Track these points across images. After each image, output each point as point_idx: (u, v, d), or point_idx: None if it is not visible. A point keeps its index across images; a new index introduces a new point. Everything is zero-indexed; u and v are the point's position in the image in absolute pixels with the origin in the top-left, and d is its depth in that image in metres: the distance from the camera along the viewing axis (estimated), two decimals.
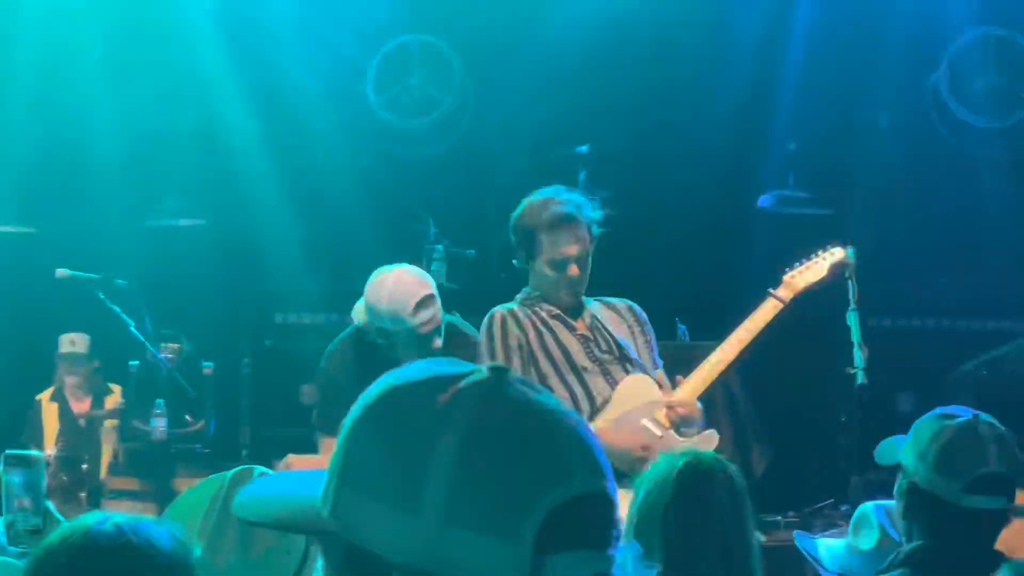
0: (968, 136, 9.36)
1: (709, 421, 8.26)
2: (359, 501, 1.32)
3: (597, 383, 5.36)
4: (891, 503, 3.66)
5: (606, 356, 5.42)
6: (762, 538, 6.77)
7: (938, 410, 3.42)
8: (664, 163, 9.64)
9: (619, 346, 5.46)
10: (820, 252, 5.55)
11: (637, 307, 5.72)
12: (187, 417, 7.75)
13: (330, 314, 9.63)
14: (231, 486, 3.03)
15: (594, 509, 1.29)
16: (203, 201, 9.51)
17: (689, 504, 2.95)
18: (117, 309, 7.75)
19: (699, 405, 5.34)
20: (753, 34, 9.43)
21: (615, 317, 5.59)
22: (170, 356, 7.56)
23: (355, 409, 1.37)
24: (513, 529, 1.26)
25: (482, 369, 1.33)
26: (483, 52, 9.67)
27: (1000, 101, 9.22)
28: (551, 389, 5.32)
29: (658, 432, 5.31)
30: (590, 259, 5.41)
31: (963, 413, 3.37)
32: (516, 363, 5.30)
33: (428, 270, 8.25)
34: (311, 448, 5.65)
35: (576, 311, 5.49)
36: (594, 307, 5.56)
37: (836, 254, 5.37)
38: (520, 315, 5.42)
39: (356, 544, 1.31)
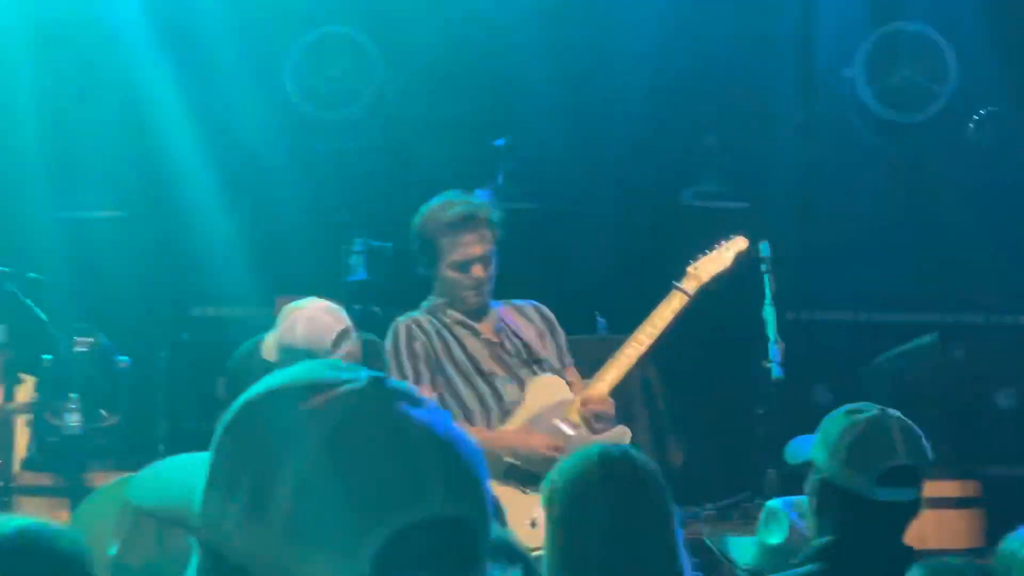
0: (884, 131, 9.43)
1: (626, 415, 8.27)
2: (219, 504, 1.28)
3: (506, 387, 5.36)
4: (799, 498, 3.70)
5: (513, 360, 5.42)
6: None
7: (845, 406, 3.47)
8: (584, 156, 9.65)
9: (527, 348, 5.45)
10: (723, 242, 5.55)
11: (543, 307, 5.73)
12: (102, 412, 7.67)
13: (248, 307, 9.57)
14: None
15: (447, 536, 1.24)
16: (120, 193, 9.42)
17: (595, 499, 2.92)
18: (30, 302, 7.65)
19: (611, 400, 5.33)
20: (673, 27, 9.46)
21: (522, 319, 5.59)
22: (84, 350, 7.47)
23: (231, 408, 1.34)
24: (352, 548, 1.22)
25: (360, 377, 1.28)
26: (402, 44, 9.64)
27: (915, 96, 9.30)
28: (459, 395, 5.32)
29: (570, 431, 5.31)
30: (494, 260, 5.40)
31: (870, 408, 3.41)
32: (424, 370, 5.28)
33: (347, 264, 8.24)
34: None
35: (481, 314, 5.48)
36: (500, 310, 5.55)
37: (738, 243, 5.39)
38: (424, 323, 5.42)
39: (216, 548, 1.28)
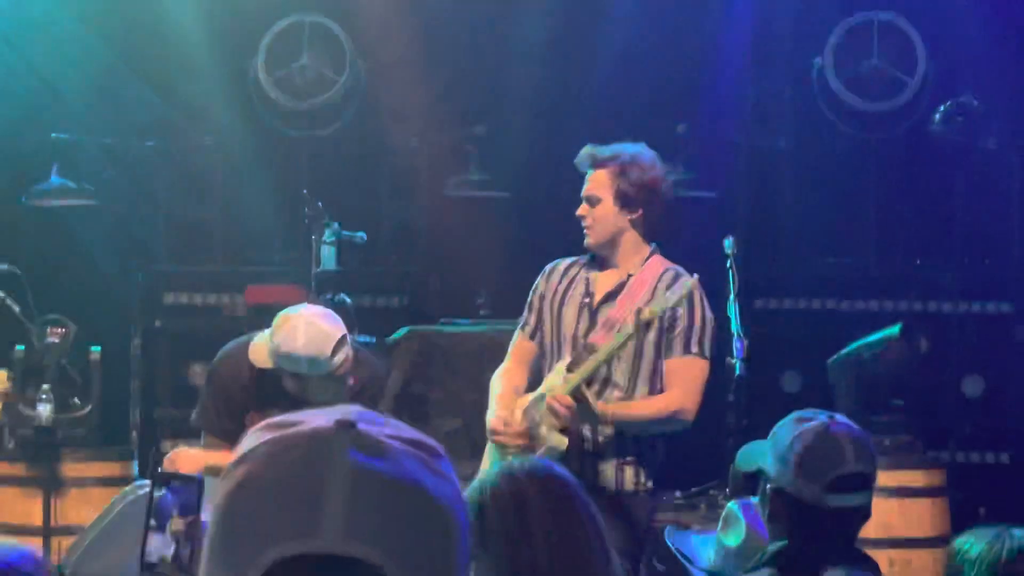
0: (852, 119, 9.49)
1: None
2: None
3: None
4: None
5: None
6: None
7: (794, 414, 3.53)
8: (555, 145, 9.68)
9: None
10: (675, 284, 5.47)
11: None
12: (74, 401, 7.69)
13: (220, 294, 9.61)
14: (124, 506, 3.04)
15: (339, 570, 1.23)
16: (90, 180, 9.41)
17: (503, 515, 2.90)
18: (2, 293, 7.68)
19: (570, 407, 5.24)
20: (642, 16, 9.49)
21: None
22: (56, 341, 7.49)
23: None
24: (240, 571, 1.24)
25: (335, 420, 1.30)
26: (374, 33, 9.65)
27: (884, 84, 9.35)
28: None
29: (534, 425, 5.33)
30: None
31: (818, 416, 3.47)
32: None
33: (318, 251, 8.26)
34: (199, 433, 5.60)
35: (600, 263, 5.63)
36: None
37: (688, 285, 5.36)
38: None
39: None
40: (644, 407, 5.38)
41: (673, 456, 8.33)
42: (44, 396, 7.36)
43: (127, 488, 3.16)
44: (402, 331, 8.56)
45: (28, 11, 9.35)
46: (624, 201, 5.45)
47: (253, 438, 1.32)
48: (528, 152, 9.52)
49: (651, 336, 5.36)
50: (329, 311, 5.42)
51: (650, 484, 5.47)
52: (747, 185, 9.67)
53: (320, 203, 7.90)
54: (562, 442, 5.24)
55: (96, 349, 7.83)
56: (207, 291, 9.67)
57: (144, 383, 9.34)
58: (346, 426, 1.29)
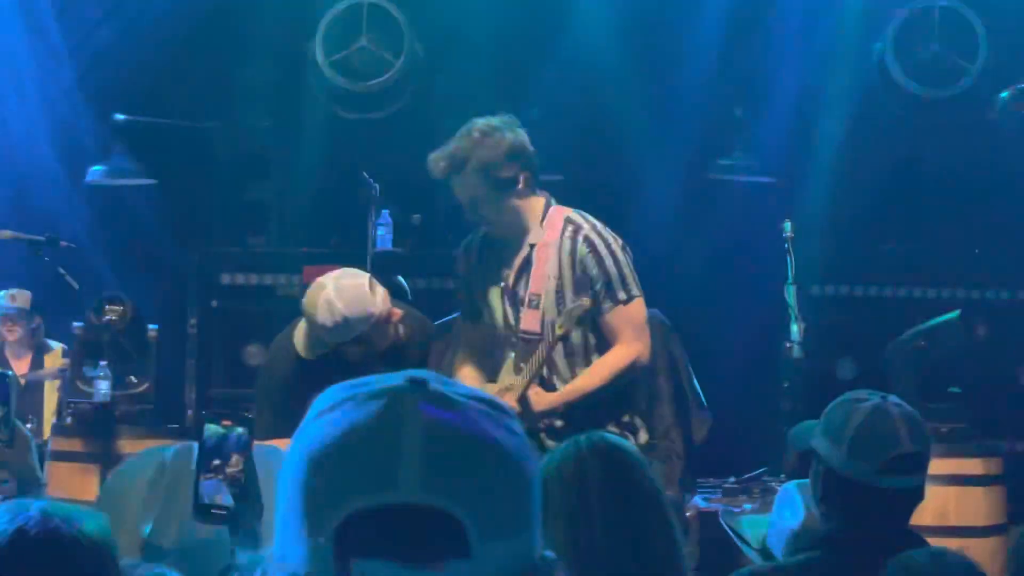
0: (913, 105, 9.42)
1: (650, 390, 8.30)
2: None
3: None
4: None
5: None
6: (703, 504, 6.86)
7: (847, 394, 3.49)
8: (612, 129, 9.67)
9: None
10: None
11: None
12: (131, 378, 7.73)
13: (277, 275, 9.64)
14: (174, 463, 3.03)
15: (421, 524, 1.26)
16: (150, 161, 9.47)
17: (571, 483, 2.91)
18: (62, 270, 7.73)
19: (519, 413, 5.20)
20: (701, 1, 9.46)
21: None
22: (114, 318, 7.54)
23: None
24: (320, 524, 1.27)
25: (401, 382, 1.33)
26: (432, 15, 9.65)
27: (944, 71, 9.28)
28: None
29: None
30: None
31: (872, 396, 3.43)
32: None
33: (374, 233, 8.28)
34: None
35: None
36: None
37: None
38: None
39: None
40: (593, 377, 5.27)
41: (727, 442, 8.36)
42: (101, 373, 7.41)
43: (175, 448, 3.15)
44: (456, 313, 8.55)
45: None
46: (501, 185, 5.25)
47: (327, 397, 1.35)
48: (582, 135, 9.50)
49: (574, 308, 5.26)
50: (343, 268, 5.37)
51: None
52: (805, 171, 9.61)
53: (376, 184, 7.91)
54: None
55: (153, 327, 7.87)
56: (263, 272, 9.70)
57: (200, 362, 9.39)
58: (418, 383, 1.32)
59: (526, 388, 5.19)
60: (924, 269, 9.49)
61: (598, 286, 5.25)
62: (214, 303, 9.61)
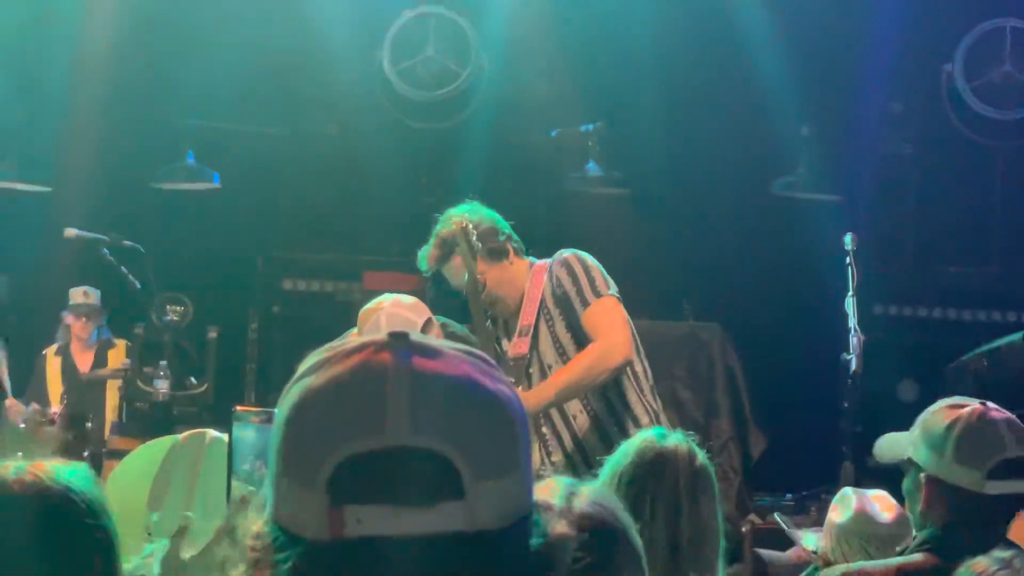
0: (980, 126, 9.35)
1: (708, 404, 8.29)
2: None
3: None
4: (873, 491, 3.70)
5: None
6: (757, 520, 6.82)
7: (943, 401, 3.43)
8: (677, 143, 9.64)
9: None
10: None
11: None
12: (190, 380, 7.79)
13: (338, 282, 9.68)
14: (184, 450, 3.04)
15: (414, 466, 1.26)
16: (215, 165, 9.54)
17: (643, 480, 2.97)
18: (124, 270, 7.79)
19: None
20: (772, 18, 9.42)
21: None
22: (175, 319, 7.59)
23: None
24: (310, 476, 1.27)
25: (383, 337, 1.34)
26: (498, 26, 9.67)
27: (1014, 92, 9.21)
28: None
29: None
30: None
31: (971, 402, 3.39)
32: None
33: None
34: None
35: None
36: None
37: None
38: None
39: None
40: (563, 373, 5.32)
41: (785, 459, 8.32)
42: (161, 373, 7.47)
43: (185, 435, 3.17)
44: None
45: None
46: (493, 255, 5.46)
47: (308, 359, 1.35)
48: (649, 149, 9.49)
49: (559, 325, 5.37)
50: (415, 299, 5.46)
51: None
52: (870, 190, 9.56)
53: (440, 193, 7.92)
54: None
55: (213, 329, 7.92)
56: (325, 278, 9.74)
57: (259, 366, 9.43)
58: (399, 335, 1.34)
59: None
60: (988, 292, 9.41)
61: (570, 295, 5.35)
62: (275, 308, 9.66)
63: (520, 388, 5.31)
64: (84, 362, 9.02)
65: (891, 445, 3.54)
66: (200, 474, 2.95)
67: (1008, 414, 3.37)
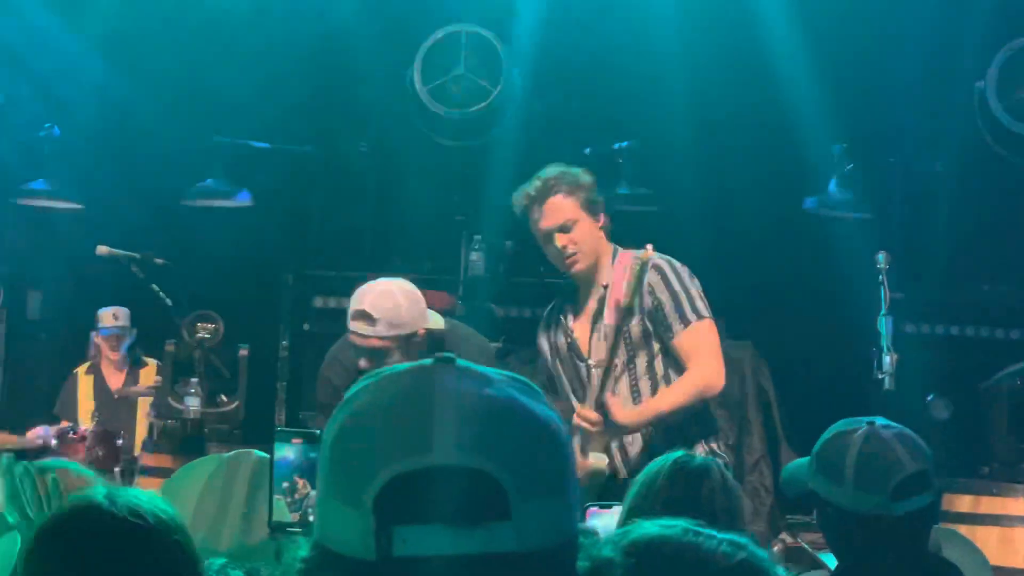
0: (1013, 144, 9.31)
1: (740, 422, 8.26)
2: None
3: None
4: None
5: None
6: (788, 539, 6.79)
7: (834, 427, 3.34)
8: (709, 161, 9.63)
9: None
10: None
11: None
12: (221, 397, 7.80)
13: None
14: (229, 470, 3.05)
15: (461, 485, 1.27)
16: (247, 183, 9.56)
17: (679, 499, 2.98)
18: (156, 287, 7.81)
19: (598, 420, 5.26)
20: (804, 36, 9.40)
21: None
22: (206, 337, 7.61)
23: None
24: (356, 496, 1.28)
25: (428, 359, 1.37)
26: (530, 43, 9.67)
27: None
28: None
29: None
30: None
31: (858, 424, 3.31)
32: None
33: (467, 259, 8.30)
34: None
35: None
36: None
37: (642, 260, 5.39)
38: None
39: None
40: (668, 397, 5.30)
41: None
42: (192, 390, 7.48)
43: (228, 456, 3.18)
44: None
45: (194, 15, 9.51)
46: (592, 210, 5.45)
47: (357, 385, 1.38)
48: (679, 167, 9.47)
49: (636, 331, 5.32)
50: (414, 291, 5.55)
51: None
52: (902, 208, 9.52)
53: (471, 210, 7.94)
54: (602, 461, 5.25)
55: (244, 346, 7.94)
56: None
57: (290, 384, 9.43)
58: (446, 359, 1.36)
59: (599, 397, 5.23)
60: (1022, 310, 9.36)
61: (666, 309, 5.27)
62: (306, 326, 9.66)
63: (610, 394, 5.29)
64: (115, 381, 9.05)
65: (795, 477, 3.45)
66: (244, 493, 2.96)
67: (898, 428, 3.29)
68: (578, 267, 5.46)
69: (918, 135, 9.62)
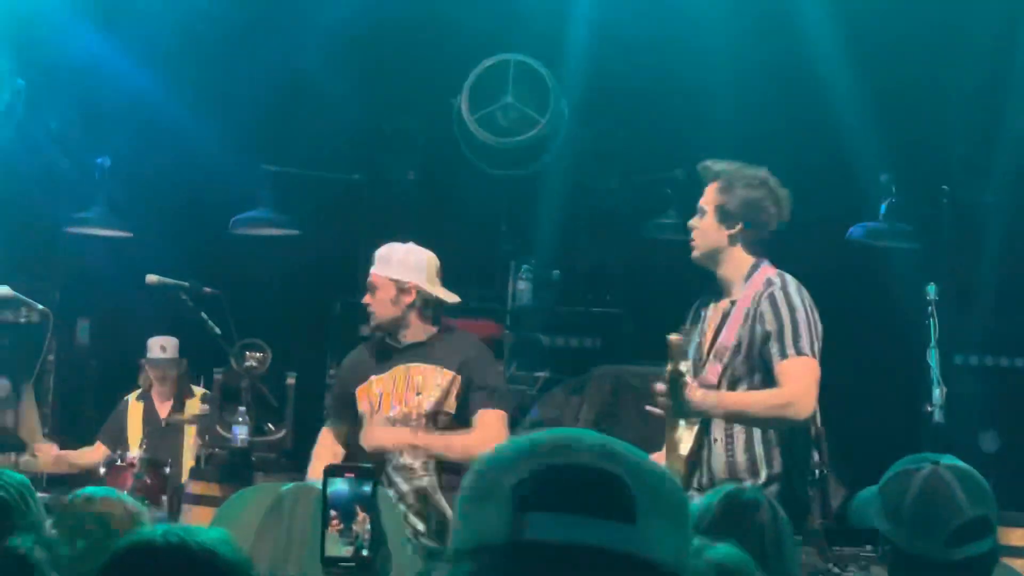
0: None
1: None
2: None
3: None
4: None
5: None
6: (836, 571, 6.75)
7: (900, 463, 3.30)
8: None
9: None
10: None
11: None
12: (268, 426, 7.81)
13: None
14: (293, 503, 3.04)
15: (595, 484, 1.38)
16: (295, 211, 9.60)
17: (730, 529, 2.99)
18: (204, 316, 7.83)
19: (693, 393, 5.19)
20: (849, 64, 9.37)
21: None
22: (254, 365, 7.62)
23: None
24: (499, 484, 1.40)
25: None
26: (578, 73, 9.68)
27: None
28: None
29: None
30: None
31: (924, 462, 3.25)
32: None
33: (514, 288, 8.29)
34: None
35: None
36: None
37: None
38: None
39: None
40: (748, 397, 5.29)
41: None
42: (240, 419, 7.49)
43: (287, 488, 3.17)
44: (595, 369, 8.54)
45: (245, 47, 9.57)
46: (723, 215, 5.52)
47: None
48: None
49: (742, 368, 5.33)
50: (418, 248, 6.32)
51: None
52: (952, 238, 9.47)
53: (519, 239, 7.94)
54: (680, 463, 5.22)
55: (292, 374, 7.95)
56: None
57: None
58: None
59: (678, 372, 5.16)
60: None
61: (770, 338, 5.24)
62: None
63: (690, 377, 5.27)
64: (163, 408, 9.08)
65: (863, 510, 3.40)
66: (308, 527, 2.95)
67: (963, 469, 3.22)
68: (693, 253, 5.62)
69: (968, 165, 9.56)
